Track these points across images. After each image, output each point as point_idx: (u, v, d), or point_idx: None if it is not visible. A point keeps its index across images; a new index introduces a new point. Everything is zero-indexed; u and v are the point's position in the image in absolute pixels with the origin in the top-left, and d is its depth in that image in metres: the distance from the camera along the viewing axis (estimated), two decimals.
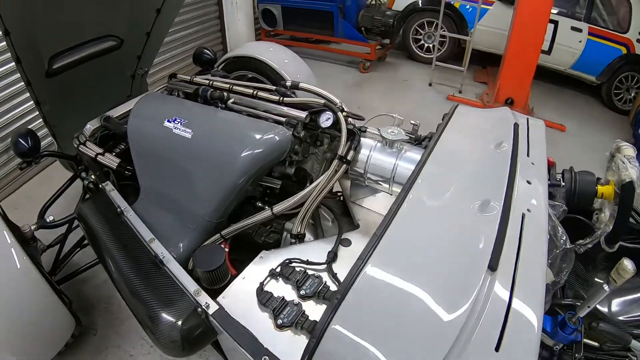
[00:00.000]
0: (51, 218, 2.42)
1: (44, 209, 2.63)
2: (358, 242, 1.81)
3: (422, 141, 2.17)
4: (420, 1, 6.44)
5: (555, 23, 5.54)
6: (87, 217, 2.10)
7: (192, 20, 5.93)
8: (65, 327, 2.21)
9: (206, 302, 1.51)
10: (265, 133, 1.87)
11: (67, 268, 2.69)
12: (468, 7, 6.09)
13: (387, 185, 1.95)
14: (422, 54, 6.65)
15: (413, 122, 2.21)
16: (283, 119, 2.01)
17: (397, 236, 1.41)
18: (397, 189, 1.91)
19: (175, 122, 2.00)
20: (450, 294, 1.20)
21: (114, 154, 2.43)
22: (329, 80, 5.96)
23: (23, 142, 2.31)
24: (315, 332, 1.17)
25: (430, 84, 5.90)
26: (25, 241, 2.24)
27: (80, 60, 2.54)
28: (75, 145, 2.52)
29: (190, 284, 1.59)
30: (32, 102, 3.68)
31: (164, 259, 1.69)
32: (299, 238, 1.87)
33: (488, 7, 5.87)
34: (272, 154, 1.88)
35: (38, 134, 2.44)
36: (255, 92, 2.22)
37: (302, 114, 2.01)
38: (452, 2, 6.08)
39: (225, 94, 2.25)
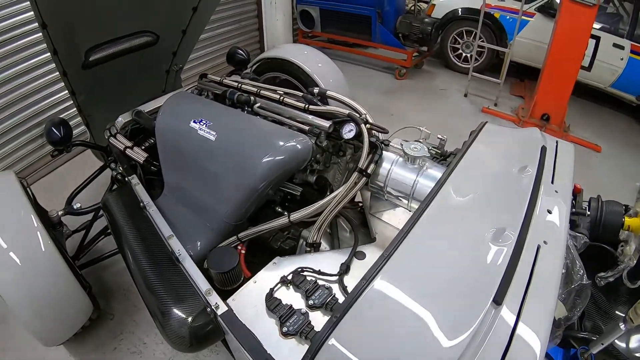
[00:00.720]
0: (78, 205, 2.50)
1: (72, 196, 2.71)
2: (372, 256, 1.79)
3: (447, 157, 2.13)
4: (460, 10, 6.34)
5: (597, 39, 5.35)
6: (111, 207, 2.16)
7: (230, 18, 5.99)
8: (83, 311, 2.28)
9: (216, 303, 1.54)
10: (288, 140, 1.88)
11: (90, 254, 2.78)
12: (508, 17, 5.96)
13: (406, 201, 1.93)
14: (459, 64, 6.55)
15: (440, 136, 2.18)
16: (307, 127, 2.02)
17: (406, 258, 1.39)
18: (415, 206, 1.89)
19: (201, 123, 2.03)
20: (451, 322, 1.18)
21: (142, 148, 2.49)
22: (363, 86, 5.96)
23: (55, 131, 2.40)
24: (312, 345, 1.18)
25: (465, 95, 5.80)
26: (52, 225, 2.34)
27: (116, 54, 2.61)
28: (106, 137, 2.59)
29: (202, 283, 1.62)
30: (65, 92, 3.91)
31: (180, 256, 1.73)
32: (314, 247, 1.88)
33: (529, 18, 5.74)
34: (293, 161, 1.89)
35: (71, 123, 2.52)
36: (282, 98, 2.23)
37: (326, 123, 2.01)
38: (492, 12, 5.96)
39: (251, 98, 2.27)
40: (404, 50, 6.18)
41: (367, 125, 1.99)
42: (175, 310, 1.62)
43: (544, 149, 1.90)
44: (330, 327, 1.18)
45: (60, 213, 2.39)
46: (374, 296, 1.26)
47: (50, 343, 2.30)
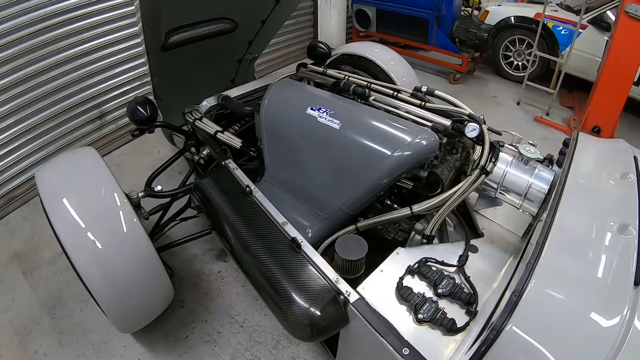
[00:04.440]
0: (159, 188, 2.49)
1: (151, 178, 2.74)
2: (484, 250, 1.93)
3: (542, 161, 2.19)
4: (512, 18, 6.39)
5: None
6: (207, 191, 2.20)
7: None
8: (165, 296, 2.26)
9: (347, 290, 1.59)
10: (416, 136, 1.93)
11: (161, 239, 2.80)
12: (561, 28, 5.99)
13: (517, 201, 2.00)
14: (510, 71, 6.58)
15: (531, 141, 2.24)
16: (427, 123, 2.08)
17: (554, 250, 1.48)
18: (528, 205, 1.98)
19: (320, 110, 2.09)
20: (605, 304, 1.29)
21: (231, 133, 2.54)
22: None
23: (141, 110, 2.37)
24: (494, 329, 1.26)
25: (518, 103, 5.84)
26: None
27: (194, 38, 2.66)
28: (191, 120, 2.64)
29: (329, 271, 1.68)
30: (119, 78, 4.13)
31: (302, 243, 1.78)
32: (429, 239, 1.93)
33: (580, 30, 5.75)
34: (420, 156, 1.94)
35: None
36: (395, 93, 2.29)
37: (446, 121, 2.07)
38: (546, 22, 6.00)
39: (366, 90, 2.33)
40: (459, 55, 6.22)
41: (485, 126, 2.05)
42: (301, 298, 1.65)
43: (635, 159, 2.02)
44: (510, 309, 1.26)
45: (141, 195, 2.34)
46: (538, 285, 1.35)
47: (127, 329, 2.31)
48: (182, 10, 2.44)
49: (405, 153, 1.89)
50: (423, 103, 2.21)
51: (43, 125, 3.74)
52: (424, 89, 2.35)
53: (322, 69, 2.63)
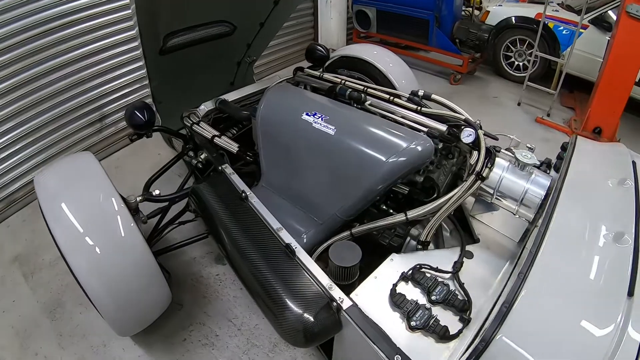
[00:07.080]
0: (157, 192, 2.46)
1: (149, 183, 2.75)
2: (480, 255, 1.93)
3: (539, 166, 2.19)
4: (513, 18, 6.38)
5: None
6: (203, 196, 2.21)
7: None
8: (162, 300, 2.25)
9: (340, 297, 1.60)
10: (411, 141, 1.94)
11: (159, 243, 2.79)
12: (562, 28, 5.98)
13: (514, 207, 1.99)
14: (511, 72, 6.57)
15: (529, 145, 2.24)
16: (423, 128, 2.08)
17: (548, 259, 1.48)
18: (524, 211, 1.97)
19: (315, 116, 2.10)
20: (598, 314, 1.31)
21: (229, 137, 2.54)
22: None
23: (139, 115, 2.37)
24: (484, 340, 1.26)
25: (519, 104, 5.83)
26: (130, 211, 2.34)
27: (192, 42, 2.67)
28: (188, 124, 2.65)
29: (322, 277, 1.68)
30: (125, 78, 4.15)
31: (296, 249, 1.79)
32: (425, 245, 1.93)
33: (582, 30, 5.74)
34: (416, 162, 1.95)
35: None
36: (391, 98, 2.29)
37: (442, 126, 2.07)
38: (547, 22, 5.98)
39: (362, 95, 2.33)
40: (460, 56, 6.22)
41: (481, 131, 2.05)
42: (295, 304, 1.65)
43: (634, 163, 2.03)
44: (500, 319, 1.27)
45: (139, 199, 2.33)
46: (529, 294, 1.35)
47: (125, 333, 2.30)
48: (180, 14, 2.43)
49: (400, 159, 1.90)
50: (419, 108, 2.22)
51: (43, 129, 3.75)
52: (420, 92, 2.36)
53: (319, 73, 2.63)
